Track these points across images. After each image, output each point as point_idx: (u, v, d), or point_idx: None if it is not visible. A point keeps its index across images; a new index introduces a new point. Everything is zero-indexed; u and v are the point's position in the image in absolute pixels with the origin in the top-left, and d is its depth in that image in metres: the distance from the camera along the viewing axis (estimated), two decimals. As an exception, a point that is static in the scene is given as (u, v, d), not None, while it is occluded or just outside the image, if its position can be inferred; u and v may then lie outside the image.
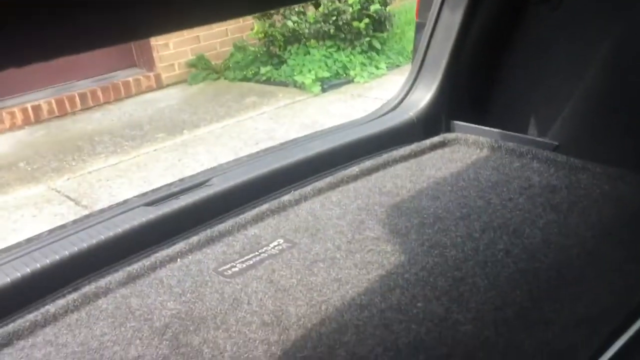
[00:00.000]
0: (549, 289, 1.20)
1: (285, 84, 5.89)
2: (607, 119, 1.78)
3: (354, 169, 1.78)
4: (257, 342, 1.12)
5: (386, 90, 5.06)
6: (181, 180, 1.75)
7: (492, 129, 1.93)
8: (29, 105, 5.49)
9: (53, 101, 5.60)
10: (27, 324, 1.22)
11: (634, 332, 1.00)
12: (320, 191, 1.69)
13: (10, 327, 1.21)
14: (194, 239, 1.47)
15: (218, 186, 1.61)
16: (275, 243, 1.46)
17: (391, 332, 1.11)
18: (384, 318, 1.16)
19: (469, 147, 1.89)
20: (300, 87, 5.73)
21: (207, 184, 1.64)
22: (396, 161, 1.83)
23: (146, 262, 1.40)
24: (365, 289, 1.25)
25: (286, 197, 1.65)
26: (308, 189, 1.69)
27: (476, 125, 1.96)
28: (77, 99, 5.72)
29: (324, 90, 5.65)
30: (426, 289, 1.23)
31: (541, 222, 1.43)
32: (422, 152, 1.88)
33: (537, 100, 1.97)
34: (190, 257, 1.42)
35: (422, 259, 1.34)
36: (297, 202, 1.64)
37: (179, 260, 1.41)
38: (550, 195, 1.54)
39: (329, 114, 4.96)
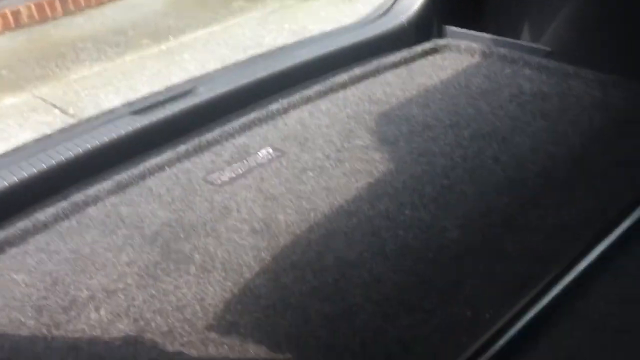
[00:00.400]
0: (536, 195, 1.21)
1: (273, -12, 5.67)
2: (601, 26, 1.73)
3: (343, 77, 1.75)
4: (247, 248, 1.14)
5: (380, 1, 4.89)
6: (167, 88, 1.71)
7: (484, 35, 1.88)
8: (7, 11, 5.28)
9: (32, 5, 5.38)
10: (18, 232, 1.23)
11: (615, 237, 1.03)
12: (309, 99, 1.66)
13: (1, 235, 1.22)
14: (182, 147, 1.46)
15: (205, 94, 1.58)
16: (264, 152, 1.45)
17: (379, 238, 1.13)
18: (371, 225, 1.17)
19: (460, 53, 1.85)
20: (289, -9, 5.52)
21: (193, 92, 1.61)
22: (386, 68, 1.79)
23: (135, 170, 1.39)
24: (354, 197, 1.26)
25: (274, 106, 1.63)
26: (296, 97, 1.66)
27: (468, 31, 1.91)
28: (58, 3, 5.50)
29: (313, -6, 5.45)
30: (414, 196, 1.24)
31: (531, 130, 1.43)
32: (412, 58, 1.84)
33: (531, 5, 1.92)
34: (178, 165, 1.42)
35: (410, 167, 1.34)
36: (286, 110, 1.62)
37: (167, 168, 1.40)
38: (540, 103, 1.53)
39: (319, 19, 4.81)
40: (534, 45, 1.82)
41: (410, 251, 1.10)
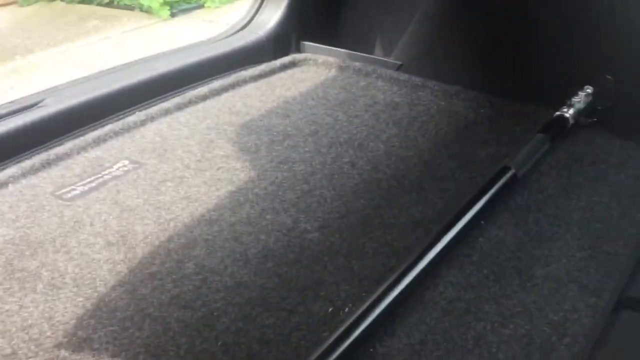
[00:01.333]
0: (390, 196, 1.27)
1: (130, 8, 5.51)
2: (445, 42, 1.87)
3: (203, 89, 1.73)
4: (102, 262, 1.08)
5: (240, 16, 4.92)
6: (11, 102, 1.59)
7: (340, 50, 1.96)
8: None
9: None
10: None
11: (458, 230, 1.10)
12: (167, 112, 1.63)
13: None
14: (28, 162, 1.36)
15: (52, 107, 1.49)
16: (120, 164, 1.40)
17: (240, 243, 1.13)
18: (233, 231, 1.16)
19: (317, 67, 1.90)
20: (147, 11, 5.40)
21: (40, 104, 1.51)
22: (246, 81, 1.80)
23: (-27, 188, 1.27)
24: (215, 205, 1.24)
25: (131, 118, 1.57)
26: (154, 109, 1.62)
27: (325, 46, 1.98)
28: None
29: (173, 15, 5.37)
30: (275, 202, 1.25)
31: (384, 136, 1.50)
32: (272, 72, 1.87)
33: (383, 22, 2.02)
34: (24, 181, 1.32)
35: (271, 174, 1.35)
36: (143, 123, 1.57)
37: (10, 185, 1.30)
38: (393, 112, 1.61)
39: (179, 40, 4.74)
40: (385, 59, 1.92)
41: (271, 254, 1.10)
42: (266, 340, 0.91)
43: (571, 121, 1.40)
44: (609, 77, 1.43)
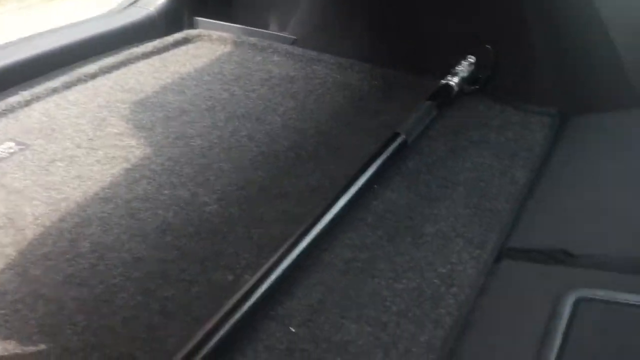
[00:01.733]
0: (287, 166, 1.29)
1: (12, -14, 5.17)
2: (338, 15, 1.90)
3: (92, 67, 1.67)
4: (-12, 246, 1.03)
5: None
6: None
7: (235, 25, 1.95)
8: None
9: None
10: None
11: (353, 192, 1.14)
12: (54, 91, 1.56)
13: None
14: None
15: None
16: (5, 146, 1.33)
17: (137, 220, 1.11)
18: (130, 208, 1.14)
19: (212, 42, 1.89)
20: (31, -11, 5.08)
21: None
22: (138, 58, 1.76)
23: None
24: (110, 183, 1.22)
25: (14, 99, 1.50)
26: (40, 88, 1.55)
27: (219, 22, 1.96)
28: None
29: (59, -7, 5.09)
30: (172, 177, 1.24)
31: (281, 109, 1.51)
32: (165, 48, 1.83)
33: (276, -3, 2.03)
34: None
35: (167, 150, 1.33)
36: (28, 103, 1.50)
37: None
38: (289, 85, 1.63)
39: (64, 18, 4.51)
40: (280, 34, 1.93)
41: (170, 228, 1.09)
42: (167, 312, 0.91)
43: (456, 89, 1.48)
44: (489, 47, 1.52)
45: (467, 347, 0.87)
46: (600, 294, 0.93)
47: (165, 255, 1.03)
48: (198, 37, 1.91)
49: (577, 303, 0.90)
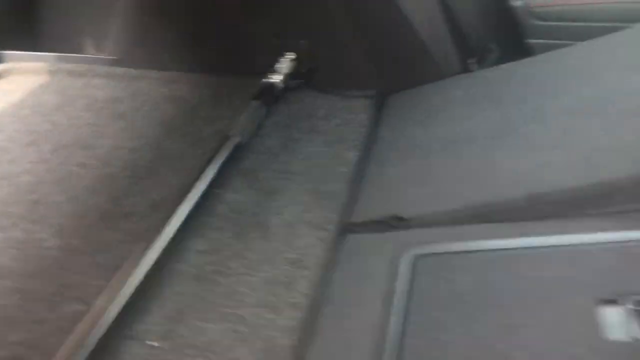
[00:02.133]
0: (126, 186, 1.27)
1: None
2: (155, 29, 1.88)
3: None
4: None
5: None
6: None
7: (47, 54, 1.86)
8: None
9: None
10: None
11: (196, 199, 1.15)
12: None
13: None
14: None
15: None
16: None
17: None
18: None
19: (25, 75, 1.79)
20: None
21: None
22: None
23: None
24: None
25: None
26: None
27: (28, 52, 1.86)
28: None
29: None
30: (2, 219, 1.17)
31: (110, 132, 1.48)
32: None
33: (87, 18, 1.96)
34: None
35: (-6, 192, 1.26)
36: None
37: None
38: (115, 106, 1.60)
39: None
40: (98, 56, 1.88)
41: (9, 272, 1.04)
42: (19, 356, 0.87)
43: (281, 85, 1.54)
44: (303, 41, 1.60)
45: (324, 322, 0.92)
46: (433, 248, 1.03)
47: (8, 301, 0.97)
48: (7, 71, 1.80)
49: (415, 260, 0.99)
